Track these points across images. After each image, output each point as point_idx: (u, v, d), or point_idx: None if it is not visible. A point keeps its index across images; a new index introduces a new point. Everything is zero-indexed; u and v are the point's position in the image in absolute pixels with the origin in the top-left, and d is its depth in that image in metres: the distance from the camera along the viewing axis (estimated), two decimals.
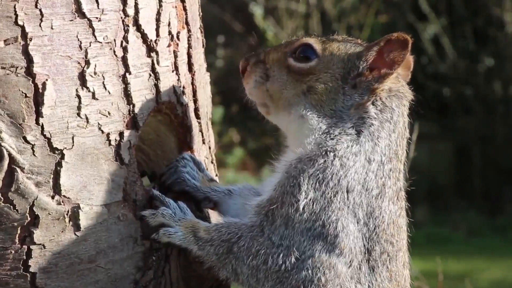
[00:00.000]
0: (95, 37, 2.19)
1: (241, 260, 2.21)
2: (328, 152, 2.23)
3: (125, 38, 2.24)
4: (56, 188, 2.15)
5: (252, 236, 2.22)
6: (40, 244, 2.14)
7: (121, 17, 2.23)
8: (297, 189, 2.20)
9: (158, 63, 2.32)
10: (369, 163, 2.25)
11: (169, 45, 2.35)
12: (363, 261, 2.21)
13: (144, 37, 2.28)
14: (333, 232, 2.19)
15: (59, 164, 2.15)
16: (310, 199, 2.19)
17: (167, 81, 2.35)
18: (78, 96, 2.17)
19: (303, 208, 2.19)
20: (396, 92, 2.31)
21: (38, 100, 2.12)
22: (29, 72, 2.11)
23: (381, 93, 2.28)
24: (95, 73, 2.19)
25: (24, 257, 2.13)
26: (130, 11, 2.25)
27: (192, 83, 2.48)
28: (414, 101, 2.39)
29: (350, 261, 2.20)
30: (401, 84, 2.34)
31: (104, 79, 2.21)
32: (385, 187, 2.25)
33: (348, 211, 2.20)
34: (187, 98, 2.43)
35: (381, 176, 2.25)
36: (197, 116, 2.49)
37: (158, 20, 2.32)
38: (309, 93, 2.30)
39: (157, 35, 2.31)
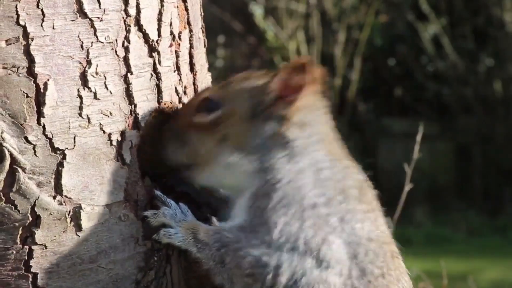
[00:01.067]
0: (96, 37, 2.19)
1: (234, 272, 2.21)
2: (275, 184, 2.24)
3: (126, 38, 2.24)
4: (58, 188, 2.15)
5: (240, 249, 2.22)
6: (41, 244, 2.14)
7: (123, 17, 2.23)
8: (266, 225, 2.21)
9: (159, 63, 2.32)
10: (319, 173, 2.26)
11: (170, 45, 2.35)
12: (352, 266, 2.21)
13: (145, 37, 2.28)
14: (315, 246, 2.19)
15: (60, 164, 2.15)
16: (283, 224, 2.20)
17: (168, 81, 2.35)
18: (80, 96, 2.17)
19: (279, 234, 2.20)
20: (309, 107, 2.31)
21: (39, 100, 2.12)
22: (31, 72, 2.11)
23: (295, 116, 2.29)
24: (96, 73, 2.19)
25: (26, 257, 2.13)
26: (132, 11, 2.25)
27: (194, 83, 2.48)
28: (330, 106, 2.40)
29: (340, 270, 2.19)
30: (314, 97, 2.33)
31: (105, 79, 2.21)
32: (347, 189, 2.26)
33: (322, 224, 2.21)
34: (189, 98, 2.43)
35: (338, 179, 2.27)
36: None
37: (159, 20, 2.31)
38: (224, 141, 2.30)
39: (159, 35, 2.31)
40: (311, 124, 2.31)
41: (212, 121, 2.31)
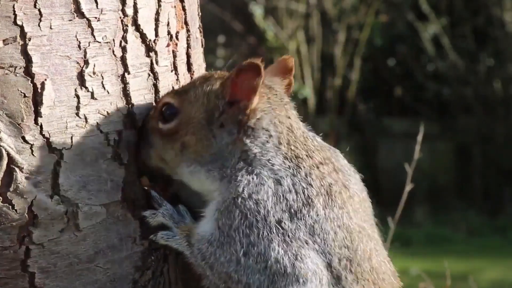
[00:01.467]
0: (94, 37, 2.19)
1: (216, 282, 2.21)
2: (236, 199, 2.18)
3: (124, 38, 2.24)
4: (55, 188, 2.15)
5: (214, 265, 2.21)
6: (39, 244, 2.14)
7: (120, 17, 2.23)
8: (233, 245, 2.18)
9: (157, 63, 2.32)
10: (280, 184, 2.19)
11: (168, 45, 2.35)
12: (329, 276, 2.18)
13: (143, 37, 2.28)
14: (288, 263, 2.15)
15: (58, 164, 2.15)
16: (248, 244, 2.16)
17: (166, 81, 2.35)
18: (77, 96, 2.17)
19: (246, 255, 2.17)
20: (265, 109, 2.25)
21: (37, 100, 2.12)
22: (28, 72, 2.11)
23: (250, 121, 2.23)
24: (94, 73, 2.19)
25: (23, 257, 2.13)
26: (129, 11, 2.25)
27: None
28: (291, 99, 2.35)
29: (320, 282, 2.17)
30: (272, 97, 2.28)
31: (103, 79, 2.21)
32: (311, 198, 2.19)
33: (291, 239, 2.16)
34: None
35: (301, 190, 2.19)
36: None
37: (157, 20, 2.32)
38: (184, 149, 2.26)
39: (156, 35, 2.31)
40: (268, 127, 2.24)
41: (172, 129, 2.27)
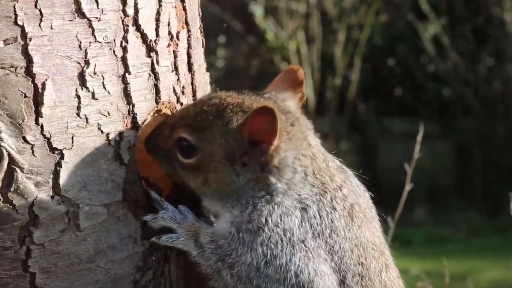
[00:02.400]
0: (94, 37, 2.19)
1: (229, 283, 2.23)
2: (262, 227, 2.22)
3: (124, 38, 2.24)
4: (56, 188, 2.15)
5: (234, 265, 2.23)
6: (39, 244, 2.14)
7: (121, 17, 2.23)
8: (253, 249, 2.22)
9: (157, 63, 2.32)
10: (306, 211, 2.25)
11: (168, 45, 2.35)
12: None
13: (143, 37, 2.28)
14: (308, 278, 2.21)
15: (58, 164, 2.15)
16: (271, 255, 2.20)
17: (166, 81, 2.35)
18: (78, 96, 2.17)
19: (267, 264, 2.20)
20: (286, 148, 2.26)
21: (37, 100, 2.12)
22: (29, 72, 2.11)
23: (273, 160, 2.25)
24: (94, 73, 2.19)
25: (24, 257, 2.13)
26: (130, 11, 2.25)
27: (192, 83, 2.48)
28: (312, 125, 2.37)
29: None
30: (291, 131, 2.29)
31: (103, 79, 2.21)
32: (334, 222, 2.25)
33: (313, 255, 2.22)
34: (187, 98, 2.43)
35: (325, 215, 2.25)
36: None
37: (157, 20, 2.31)
38: (206, 184, 2.28)
39: (157, 35, 2.31)
40: (294, 164, 2.27)
41: (193, 164, 2.28)
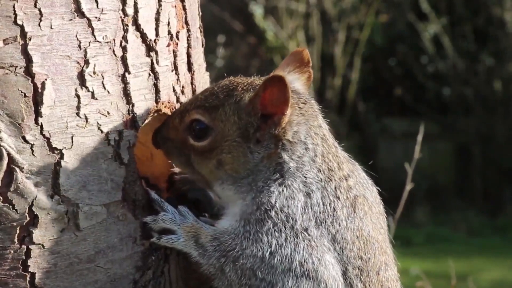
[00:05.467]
0: (94, 36, 2.19)
1: (233, 279, 2.23)
2: (270, 211, 2.23)
3: (124, 38, 2.24)
4: (55, 188, 2.15)
5: (238, 259, 2.23)
6: (39, 244, 2.14)
7: (121, 17, 2.23)
8: (258, 240, 2.22)
9: (157, 62, 2.32)
10: (310, 197, 2.25)
11: (168, 45, 2.35)
12: (344, 283, 2.25)
13: (143, 36, 2.28)
14: (312, 267, 2.21)
15: (58, 164, 2.15)
16: (276, 245, 2.21)
17: (166, 81, 2.35)
18: (77, 96, 2.17)
19: (272, 254, 2.21)
20: (299, 121, 2.27)
21: (37, 99, 2.12)
22: (28, 72, 2.11)
23: (286, 134, 2.25)
24: (94, 73, 2.19)
25: (23, 257, 2.13)
26: (130, 10, 2.25)
27: (192, 83, 2.48)
28: (320, 105, 2.37)
29: None
30: (303, 106, 2.30)
31: (103, 78, 2.21)
32: (337, 211, 2.26)
33: (316, 244, 2.22)
34: (187, 98, 2.43)
35: (328, 203, 2.26)
36: None
37: (157, 20, 2.31)
38: (221, 166, 2.28)
39: (157, 34, 2.31)
40: (306, 139, 2.27)
41: (206, 146, 2.29)
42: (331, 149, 2.31)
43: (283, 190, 2.24)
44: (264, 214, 2.23)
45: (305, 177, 2.26)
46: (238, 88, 2.29)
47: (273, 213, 2.22)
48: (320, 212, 2.24)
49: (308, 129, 2.28)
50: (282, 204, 2.23)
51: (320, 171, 2.27)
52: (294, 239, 2.21)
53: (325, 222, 2.24)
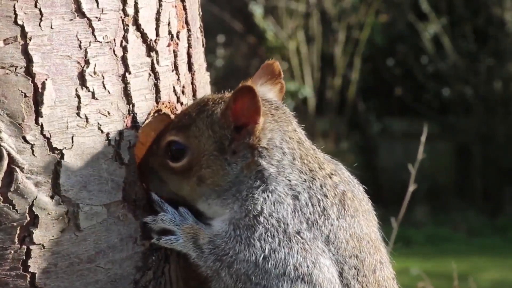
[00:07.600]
0: (94, 36, 2.19)
1: (229, 283, 2.22)
2: (258, 217, 2.22)
3: (124, 38, 2.24)
4: (56, 188, 2.15)
5: (233, 264, 2.22)
6: (39, 244, 2.14)
7: (121, 17, 2.23)
8: (251, 245, 2.21)
9: (158, 62, 2.31)
10: (297, 199, 2.25)
11: (169, 45, 2.35)
12: (340, 285, 2.24)
13: (143, 36, 2.28)
14: (307, 271, 2.20)
15: (58, 164, 2.15)
16: (269, 250, 2.20)
17: (167, 81, 2.35)
18: (78, 96, 2.17)
19: (266, 259, 2.20)
20: (272, 128, 2.28)
21: (37, 99, 2.12)
22: (29, 72, 2.11)
23: (261, 141, 2.26)
24: (94, 73, 2.19)
25: (24, 257, 2.13)
26: (130, 10, 2.25)
27: (192, 83, 2.48)
28: (293, 113, 2.37)
29: None
30: (275, 113, 2.30)
31: (103, 78, 2.21)
32: (327, 209, 2.25)
33: (310, 246, 2.22)
34: (187, 98, 2.43)
35: (316, 202, 2.25)
36: None
37: (158, 20, 2.31)
38: (201, 182, 2.28)
39: (157, 34, 2.31)
40: (281, 144, 2.27)
41: (184, 165, 2.29)
42: (308, 151, 2.32)
43: (268, 196, 2.24)
44: (253, 220, 2.22)
45: (288, 180, 2.26)
46: (209, 103, 2.31)
47: (261, 219, 2.22)
48: (310, 213, 2.24)
49: (283, 135, 2.29)
50: (271, 209, 2.23)
51: (302, 172, 2.27)
52: (288, 243, 2.21)
53: (317, 223, 2.24)
